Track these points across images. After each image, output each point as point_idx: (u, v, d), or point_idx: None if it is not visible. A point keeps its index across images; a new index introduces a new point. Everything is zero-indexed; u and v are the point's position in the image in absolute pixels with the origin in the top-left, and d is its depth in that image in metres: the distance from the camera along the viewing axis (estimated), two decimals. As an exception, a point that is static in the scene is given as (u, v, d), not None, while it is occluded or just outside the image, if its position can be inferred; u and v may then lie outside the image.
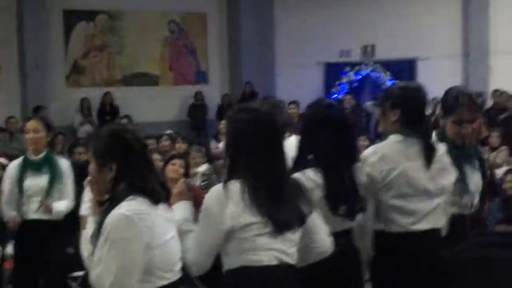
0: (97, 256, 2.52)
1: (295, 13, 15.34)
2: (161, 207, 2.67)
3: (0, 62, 13.45)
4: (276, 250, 2.71)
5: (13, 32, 13.54)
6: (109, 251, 2.47)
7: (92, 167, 2.70)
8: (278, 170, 2.76)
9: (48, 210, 5.20)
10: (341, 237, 3.18)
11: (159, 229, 2.58)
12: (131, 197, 2.57)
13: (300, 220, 2.78)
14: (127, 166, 2.62)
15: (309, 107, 3.39)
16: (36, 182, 5.19)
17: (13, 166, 5.30)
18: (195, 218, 5.80)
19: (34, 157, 5.23)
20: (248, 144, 2.73)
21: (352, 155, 3.27)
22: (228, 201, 2.67)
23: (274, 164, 2.75)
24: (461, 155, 3.62)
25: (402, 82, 4.02)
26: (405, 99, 3.42)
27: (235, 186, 2.69)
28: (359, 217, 3.30)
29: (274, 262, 2.71)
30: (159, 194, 2.65)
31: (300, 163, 3.17)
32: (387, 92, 3.69)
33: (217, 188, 2.76)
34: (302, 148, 3.25)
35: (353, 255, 3.33)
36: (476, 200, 3.73)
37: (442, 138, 3.67)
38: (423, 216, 3.40)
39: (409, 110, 3.40)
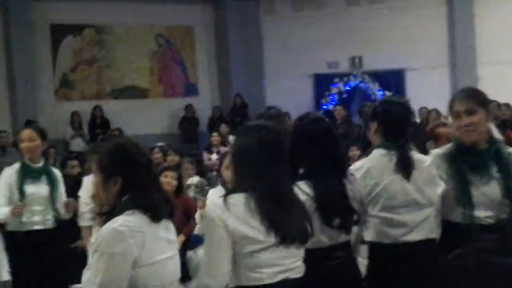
0: (89, 262, 2.55)
1: (282, 24, 15.41)
2: (164, 224, 2.68)
3: (-13, 77, 13.46)
4: (280, 266, 2.69)
5: (1, 48, 13.54)
6: (97, 263, 2.49)
7: (96, 180, 2.70)
8: (283, 186, 2.77)
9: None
10: (338, 249, 3.20)
11: (151, 247, 2.57)
12: (129, 211, 2.57)
13: (303, 238, 2.77)
14: (132, 180, 2.62)
15: (296, 122, 3.43)
16: (36, 190, 5.18)
17: (11, 171, 5.23)
18: (189, 229, 5.81)
19: (33, 165, 5.21)
20: (254, 160, 2.74)
21: (341, 168, 3.28)
22: (229, 214, 2.65)
23: (279, 180, 2.75)
24: (463, 162, 3.38)
25: (388, 95, 4.07)
26: (382, 111, 3.50)
27: (237, 199, 2.69)
28: (355, 229, 3.32)
29: (277, 279, 2.69)
30: (160, 211, 2.64)
31: (292, 176, 3.18)
32: (371, 105, 3.75)
33: (217, 201, 2.73)
34: (292, 161, 3.27)
35: (353, 268, 3.34)
36: (494, 211, 3.34)
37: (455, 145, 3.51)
38: (413, 227, 3.42)
39: (386, 122, 3.47)
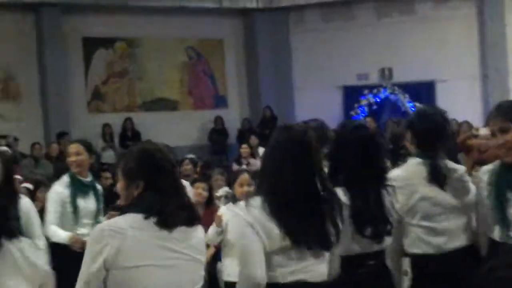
0: None
1: (312, 36, 15.44)
2: (178, 231, 2.62)
3: (22, 90, 13.69)
4: (293, 267, 2.73)
5: (34, 60, 13.79)
6: (84, 258, 2.54)
7: (119, 185, 2.73)
8: (305, 191, 2.76)
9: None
10: (371, 258, 3.20)
11: (132, 251, 2.52)
12: (132, 214, 2.58)
13: (323, 244, 2.77)
14: (153, 184, 2.62)
15: (339, 128, 3.45)
16: (86, 204, 5.19)
17: (62, 186, 5.21)
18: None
19: (83, 179, 5.23)
20: (277, 162, 2.78)
21: (381, 176, 3.29)
22: (249, 215, 2.73)
23: (303, 184, 2.76)
24: (504, 180, 3.26)
25: (422, 105, 4.07)
26: (416, 121, 3.54)
27: (256, 201, 2.75)
28: (389, 239, 3.32)
29: (289, 280, 2.73)
30: (172, 217, 2.60)
31: (331, 181, 3.19)
32: (409, 116, 3.78)
33: (241, 203, 2.85)
34: (332, 167, 3.29)
35: (385, 277, 3.33)
36: None
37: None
38: (454, 235, 3.43)
39: (420, 132, 3.49)
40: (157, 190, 2.61)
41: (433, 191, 3.42)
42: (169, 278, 2.60)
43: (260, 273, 2.67)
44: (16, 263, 2.32)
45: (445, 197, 3.43)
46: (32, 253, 2.40)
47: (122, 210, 2.66)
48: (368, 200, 3.18)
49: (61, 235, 5.04)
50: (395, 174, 3.49)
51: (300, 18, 15.83)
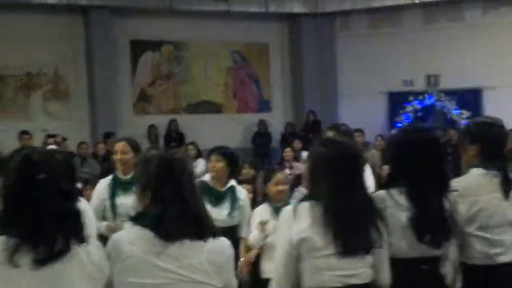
0: None
1: (358, 41, 15.39)
2: (179, 245, 2.47)
3: (70, 90, 13.97)
4: (341, 271, 2.79)
5: (83, 61, 14.05)
6: None
7: (136, 191, 2.70)
8: (353, 197, 2.85)
9: None
10: (424, 263, 3.18)
11: (127, 267, 2.46)
12: (134, 227, 2.54)
13: (367, 249, 2.84)
14: (156, 194, 2.55)
15: (401, 131, 3.45)
16: (126, 201, 5.14)
17: (104, 183, 5.32)
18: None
19: (123, 177, 5.25)
20: (329, 171, 2.86)
21: (443, 183, 3.25)
22: (296, 219, 2.81)
23: (349, 191, 2.85)
24: None
25: (481, 117, 4.01)
26: (483, 135, 3.46)
27: (305, 206, 2.83)
28: (446, 246, 3.28)
29: (338, 285, 2.78)
30: (169, 229, 2.47)
31: (390, 186, 3.20)
32: (466, 127, 3.71)
33: (288, 208, 2.93)
34: (393, 171, 3.29)
35: (436, 283, 3.28)
36: None
37: None
38: (509, 247, 3.38)
39: (487, 146, 3.44)
40: (162, 200, 2.52)
41: (495, 202, 3.37)
42: None
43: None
44: (83, 266, 2.34)
45: (506, 209, 3.38)
46: (96, 255, 2.42)
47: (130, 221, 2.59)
48: (428, 208, 3.14)
49: (100, 226, 5.09)
50: (458, 183, 3.44)
51: (346, 23, 15.78)
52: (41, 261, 2.24)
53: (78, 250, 2.33)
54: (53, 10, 13.58)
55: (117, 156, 5.28)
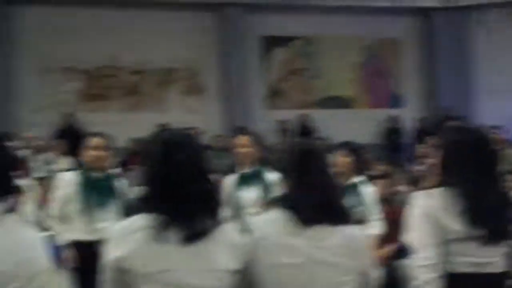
0: None
1: (496, 37, 14.78)
2: (313, 228, 2.59)
3: (204, 85, 14.38)
4: (474, 258, 2.76)
5: (216, 57, 14.41)
6: None
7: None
8: (491, 182, 2.85)
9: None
10: None
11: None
12: (276, 209, 2.64)
13: (502, 235, 2.81)
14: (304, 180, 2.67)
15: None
16: (247, 194, 5.25)
17: (230, 179, 5.40)
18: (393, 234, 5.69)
19: (245, 171, 5.31)
20: (466, 157, 2.84)
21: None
22: (431, 204, 2.79)
23: (488, 176, 2.84)
24: None
25: None
26: None
27: (439, 192, 2.81)
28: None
29: (470, 270, 2.75)
30: (310, 213, 2.58)
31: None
32: None
33: (421, 192, 2.89)
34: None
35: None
36: None
37: None
38: None
39: None
40: (302, 187, 2.64)
41: None
42: None
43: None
44: (224, 244, 2.44)
45: None
46: (233, 234, 2.51)
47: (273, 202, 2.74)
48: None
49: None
50: None
51: (484, 17, 15.16)
52: (187, 238, 2.33)
53: (219, 229, 2.41)
54: (187, 7, 14.09)
55: (239, 150, 5.30)
